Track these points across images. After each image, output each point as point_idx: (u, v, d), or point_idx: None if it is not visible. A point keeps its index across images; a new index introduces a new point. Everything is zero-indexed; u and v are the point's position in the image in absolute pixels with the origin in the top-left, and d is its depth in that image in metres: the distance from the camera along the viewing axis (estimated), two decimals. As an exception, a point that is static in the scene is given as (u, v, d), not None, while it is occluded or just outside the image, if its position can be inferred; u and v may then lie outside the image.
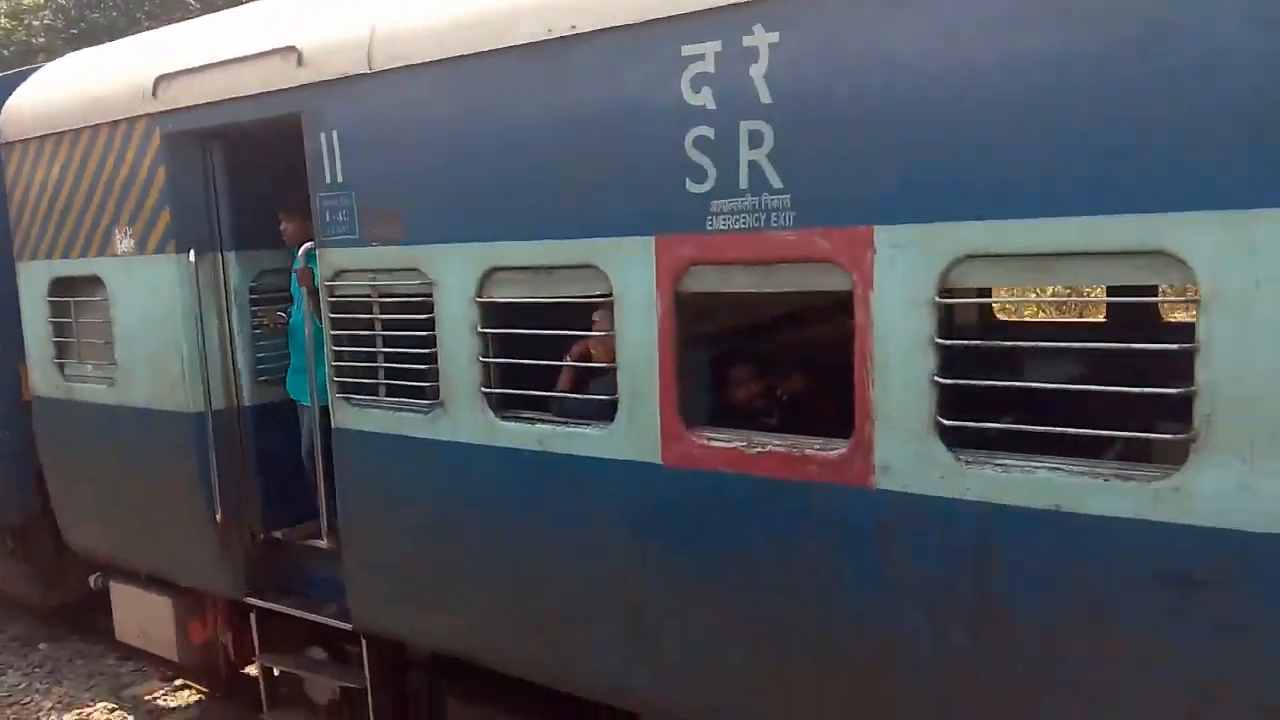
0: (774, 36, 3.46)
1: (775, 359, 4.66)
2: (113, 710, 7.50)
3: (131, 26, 23.56)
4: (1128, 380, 3.03)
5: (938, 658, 3.47)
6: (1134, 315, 5.19)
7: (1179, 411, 2.95)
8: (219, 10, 5.99)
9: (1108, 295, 4.95)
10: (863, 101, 3.32)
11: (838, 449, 3.58)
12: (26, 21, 27.16)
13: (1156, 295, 4.77)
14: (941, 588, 3.41)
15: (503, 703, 5.17)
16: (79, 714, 7.44)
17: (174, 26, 6.35)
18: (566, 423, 4.32)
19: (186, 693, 7.64)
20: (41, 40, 27.16)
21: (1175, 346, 2.93)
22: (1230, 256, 2.78)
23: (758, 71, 3.51)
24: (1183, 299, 4.43)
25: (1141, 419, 3.10)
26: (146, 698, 7.68)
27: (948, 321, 3.36)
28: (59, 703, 7.67)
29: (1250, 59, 2.71)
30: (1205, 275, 2.83)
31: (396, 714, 5.72)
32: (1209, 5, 2.75)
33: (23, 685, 8.02)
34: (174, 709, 7.44)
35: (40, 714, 7.52)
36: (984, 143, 3.14)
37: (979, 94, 3.12)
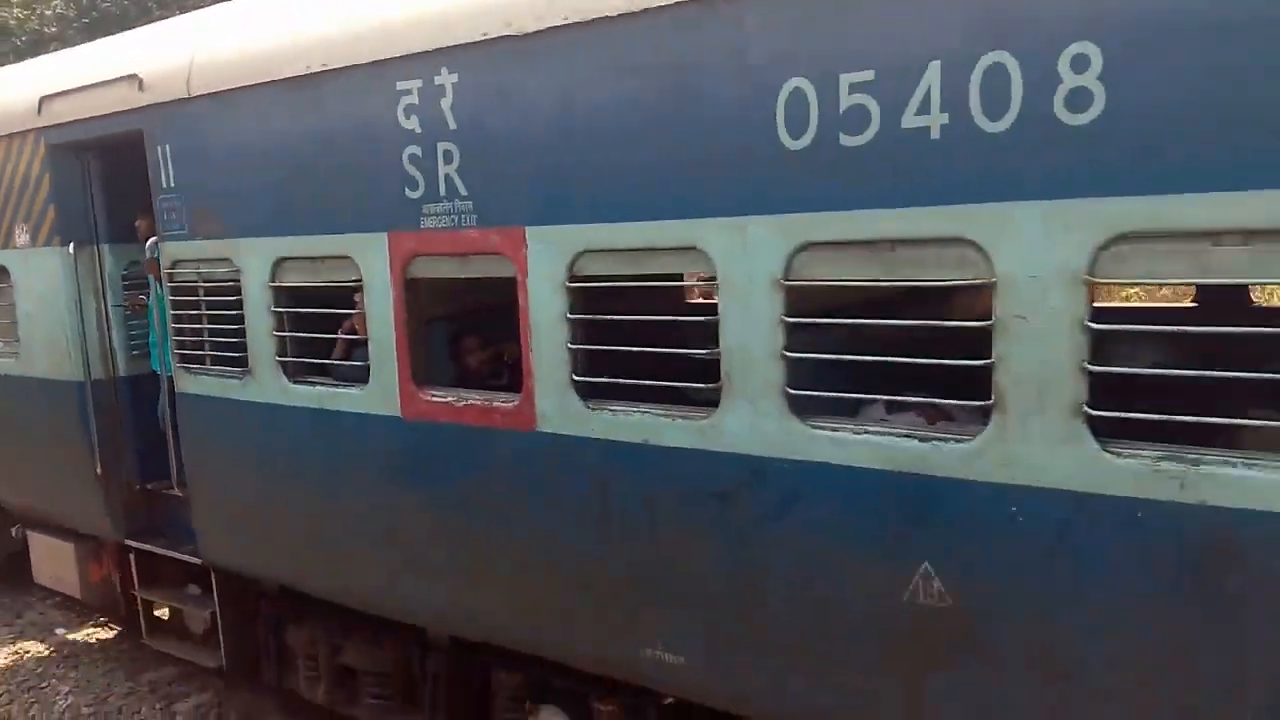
0: (455, 78, 4.41)
1: (502, 330, 5.60)
2: (129, 694, 7.75)
3: (142, 16, 24.03)
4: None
5: (585, 558, 4.44)
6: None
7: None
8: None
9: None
10: (513, 130, 4.27)
11: (513, 401, 4.54)
12: (39, 10, 27.64)
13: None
14: (582, 505, 4.38)
15: (334, 627, 6.15)
16: (97, 697, 7.77)
17: (64, 51, 7.34)
18: (337, 385, 5.30)
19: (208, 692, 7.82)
20: (54, 29, 27.83)
21: (704, 319, 3.88)
22: (733, 253, 3.73)
23: (446, 104, 4.46)
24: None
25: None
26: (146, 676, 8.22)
27: (580, 301, 4.28)
28: (76, 687, 7.92)
29: (741, 108, 3.64)
30: (720, 267, 3.77)
31: (251, 639, 6.73)
32: (715, 75, 3.69)
33: (40, 670, 8.32)
34: (188, 693, 7.75)
35: (58, 698, 7.79)
36: (592, 166, 4.08)
37: (587, 129, 4.07)
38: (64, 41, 26.73)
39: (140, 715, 7.37)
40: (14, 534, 8.23)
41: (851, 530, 3.65)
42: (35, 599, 9.68)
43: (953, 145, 3.20)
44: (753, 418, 3.79)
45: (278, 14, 5.35)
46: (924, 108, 3.24)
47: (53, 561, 7.86)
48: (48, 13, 27.54)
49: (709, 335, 3.89)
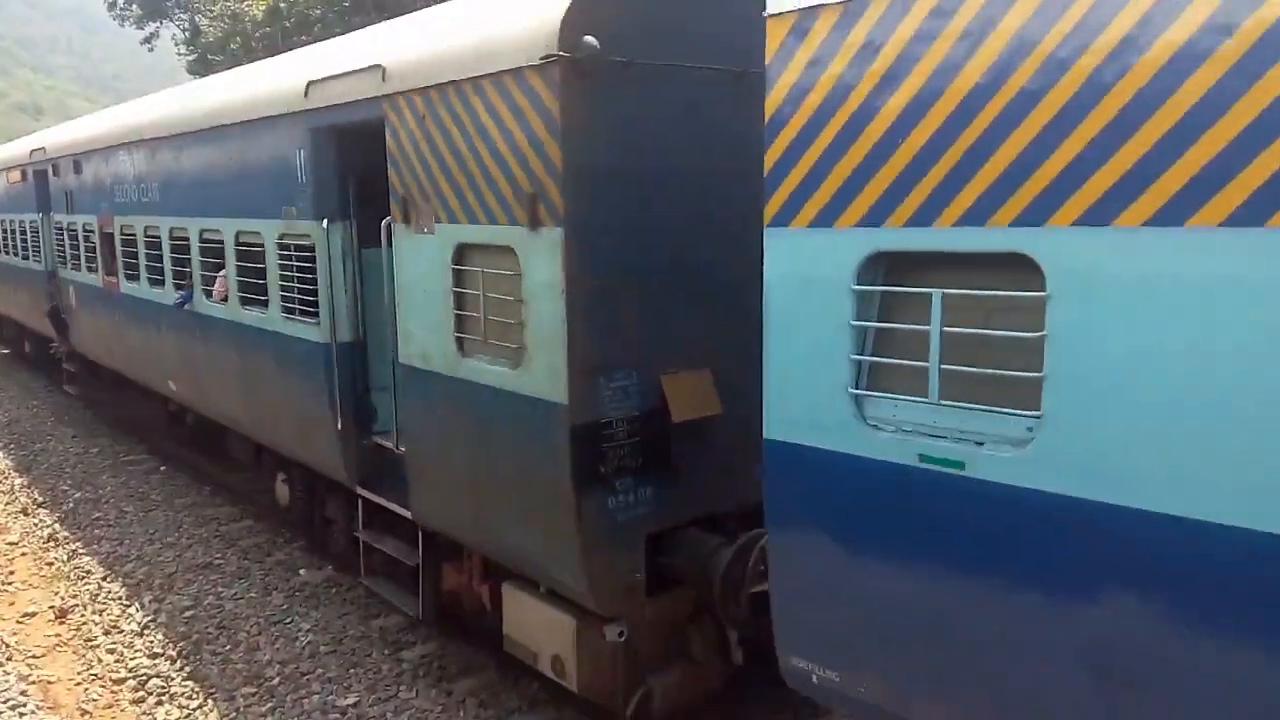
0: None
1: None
2: (361, 638, 8.13)
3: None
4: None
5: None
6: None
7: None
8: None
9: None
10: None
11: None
12: (306, -5, 29.52)
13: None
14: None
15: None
16: (334, 637, 8.18)
17: None
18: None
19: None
20: (318, 12, 29.67)
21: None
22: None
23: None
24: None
25: None
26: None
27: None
28: (316, 625, 8.38)
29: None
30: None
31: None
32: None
33: (285, 606, 8.84)
34: (414, 642, 7.98)
35: (299, 635, 8.24)
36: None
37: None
38: (326, 25, 28.33)
39: (371, 658, 7.69)
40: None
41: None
42: (282, 540, 10.40)
43: None
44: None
45: None
46: None
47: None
48: (312, -3, 29.26)
49: None
